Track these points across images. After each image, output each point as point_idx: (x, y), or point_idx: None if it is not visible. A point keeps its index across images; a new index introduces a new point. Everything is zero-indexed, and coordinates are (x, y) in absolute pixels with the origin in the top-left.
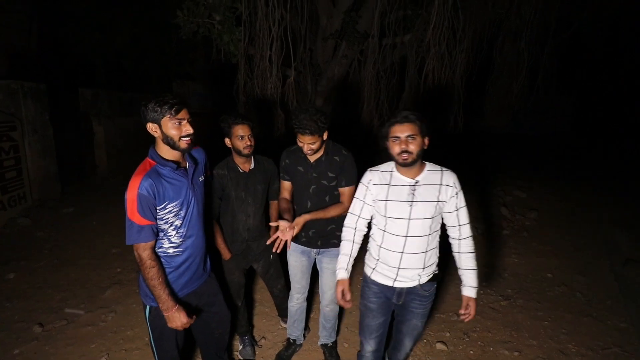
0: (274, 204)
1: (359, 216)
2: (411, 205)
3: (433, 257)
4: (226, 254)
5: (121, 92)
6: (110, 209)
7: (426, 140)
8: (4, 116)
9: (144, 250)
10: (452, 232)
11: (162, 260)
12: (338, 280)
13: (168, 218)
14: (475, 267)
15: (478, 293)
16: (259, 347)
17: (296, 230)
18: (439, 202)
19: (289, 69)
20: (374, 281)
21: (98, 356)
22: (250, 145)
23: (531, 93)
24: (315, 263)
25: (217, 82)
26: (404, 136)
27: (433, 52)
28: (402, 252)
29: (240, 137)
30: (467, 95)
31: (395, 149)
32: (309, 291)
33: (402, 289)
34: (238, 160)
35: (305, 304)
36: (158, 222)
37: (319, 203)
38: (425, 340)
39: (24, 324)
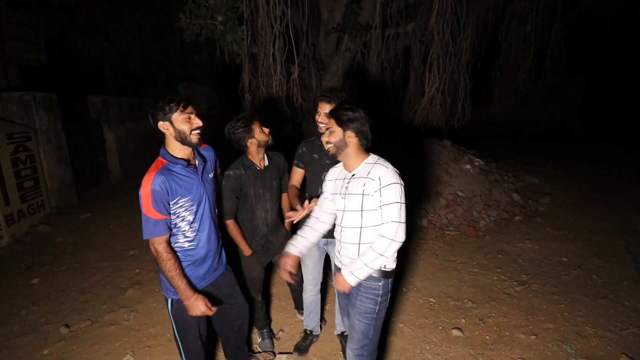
0: (285, 197)
1: (320, 207)
2: (343, 198)
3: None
4: (247, 250)
5: (129, 97)
6: (125, 213)
7: (348, 135)
8: (19, 127)
9: (159, 244)
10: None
11: (179, 254)
12: (283, 252)
13: (180, 213)
14: (368, 263)
15: (355, 276)
16: (277, 339)
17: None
18: (365, 195)
19: (292, 66)
20: (336, 266)
21: (123, 354)
22: (270, 132)
23: (539, 76)
24: (328, 255)
25: (222, 83)
26: (324, 128)
27: (437, 40)
28: (340, 241)
29: (260, 129)
30: (474, 82)
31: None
32: (322, 284)
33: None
34: (254, 158)
35: (319, 295)
36: (171, 217)
37: None
38: (440, 327)
39: (51, 326)
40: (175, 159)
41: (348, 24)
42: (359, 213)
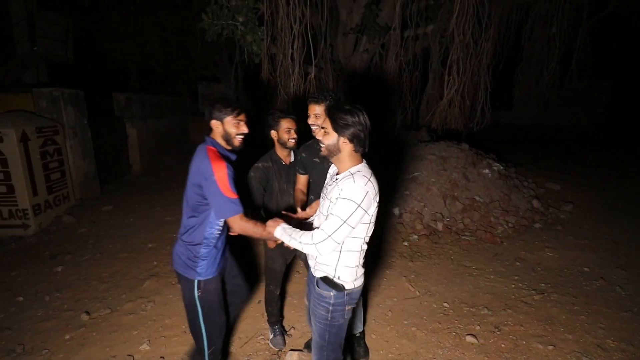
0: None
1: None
2: (323, 198)
3: (326, 258)
4: (272, 243)
5: (151, 95)
6: (144, 206)
7: (343, 139)
8: (48, 121)
9: (241, 219)
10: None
11: (212, 239)
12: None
13: None
14: (300, 239)
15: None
16: (289, 336)
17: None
18: (332, 202)
19: (310, 66)
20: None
21: (140, 342)
22: (295, 139)
23: (563, 80)
24: None
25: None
26: (318, 128)
27: (457, 41)
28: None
29: (287, 130)
30: (494, 85)
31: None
32: None
33: (309, 273)
34: (281, 153)
35: None
36: None
37: None
38: (454, 333)
39: (73, 313)
40: (227, 152)
41: (367, 25)
42: (324, 217)
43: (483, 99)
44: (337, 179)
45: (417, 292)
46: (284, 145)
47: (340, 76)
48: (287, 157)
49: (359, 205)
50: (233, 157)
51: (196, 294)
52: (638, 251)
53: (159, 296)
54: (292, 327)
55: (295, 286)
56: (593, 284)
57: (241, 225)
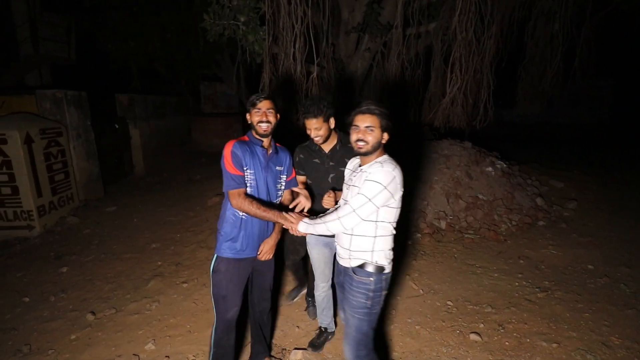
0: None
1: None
2: (347, 188)
3: (362, 245)
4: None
5: (154, 95)
6: (148, 207)
7: (385, 135)
8: (51, 123)
9: (238, 196)
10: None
11: (233, 219)
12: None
13: (245, 180)
14: (327, 221)
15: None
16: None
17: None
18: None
19: (312, 65)
20: (338, 262)
21: (145, 342)
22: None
23: (567, 78)
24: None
25: (243, 82)
26: (363, 126)
27: (460, 39)
28: None
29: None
30: (497, 83)
31: (354, 136)
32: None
33: (341, 266)
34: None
35: (330, 291)
36: None
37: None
38: (458, 331)
39: (78, 313)
40: (255, 139)
41: (369, 24)
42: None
43: (486, 97)
44: (362, 169)
45: (421, 290)
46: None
47: (342, 75)
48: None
49: (385, 187)
50: (259, 144)
51: (211, 269)
52: None
53: (164, 296)
54: (297, 326)
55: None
56: (597, 281)
57: (238, 201)
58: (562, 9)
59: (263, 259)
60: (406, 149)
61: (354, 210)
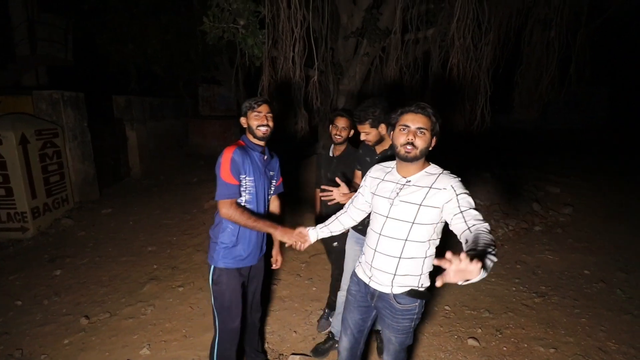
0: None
1: (351, 202)
2: (391, 204)
3: (411, 268)
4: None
5: (152, 97)
6: (144, 210)
7: (434, 141)
8: (47, 124)
9: (230, 205)
10: (462, 237)
11: (231, 227)
12: (300, 229)
13: (243, 190)
14: (490, 249)
15: (487, 276)
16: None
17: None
18: (423, 206)
19: (311, 69)
20: (355, 274)
21: (140, 346)
22: (339, 135)
23: (562, 85)
24: None
25: (242, 85)
26: (414, 127)
27: (457, 45)
28: (375, 250)
29: (336, 127)
30: (494, 88)
31: (401, 139)
32: None
33: (375, 290)
34: (334, 146)
35: None
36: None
37: None
38: (456, 336)
39: (72, 317)
40: (253, 145)
41: (367, 29)
42: (408, 224)
43: (483, 103)
44: (409, 181)
45: None
46: (332, 140)
47: (340, 79)
48: (337, 150)
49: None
50: (258, 149)
51: (210, 279)
52: (638, 254)
53: (159, 300)
54: (294, 331)
55: (295, 289)
56: (593, 286)
57: (228, 211)
58: (558, 16)
59: (278, 266)
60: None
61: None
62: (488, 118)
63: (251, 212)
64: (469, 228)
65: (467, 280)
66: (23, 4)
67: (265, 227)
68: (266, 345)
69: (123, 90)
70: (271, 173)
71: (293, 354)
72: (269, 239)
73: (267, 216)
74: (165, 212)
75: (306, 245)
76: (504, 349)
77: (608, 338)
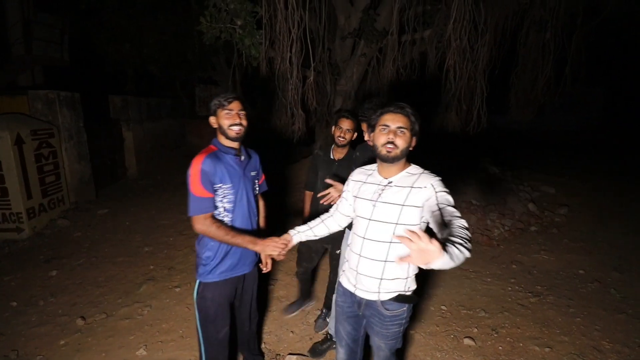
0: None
1: (337, 208)
2: (374, 205)
3: (398, 272)
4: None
5: (148, 98)
6: (141, 210)
7: (414, 141)
8: (43, 124)
9: (204, 220)
10: (439, 233)
11: (213, 242)
12: (284, 235)
13: (220, 199)
14: (459, 239)
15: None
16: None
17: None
18: (406, 207)
19: (308, 70)
20: (340, 283)
21: (136, 347)
22: (343, 138)
23: (558, 86)
24: None
25: (239, 86)
26: (394, 126)
27: (454, 46)
28: (360, 255)
29: (340, 129)
30: (491, 89)
31: (382, 139)
32: None
33: (362, 299)
34: (335, 148)
35: None
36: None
37: None
38: (452, 336)
39: (68, 318)
40: (226, 148)
41: (364, 30)
42: (391, 226)
43: (479, 104)
44: (390, 182)
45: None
46: (332, 140)
47: (337, 80)
48: (338, 153)
49: None
50: (232, 152)
51: (195, 292)
52: (632, 254)
53: (156, 300)
54: (291, 331)
55: (292, 290)
56: (588, 286)
57: (203, 226)
58: (553, 18)
59: (269, 269)
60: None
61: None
62: (484, 119)
63: (229, 227)
64: (445, 223)
65: (429, 263)
66: (19, 4)
67: (245, 242)
68: (263, 345)
69: (120, 91)
70: (252, 173)
71: (290, 354)
72: None
73: (257, 221)
74: (162, 213)
75: (287, 250)
76: (500, 348)
77: (602, 337)
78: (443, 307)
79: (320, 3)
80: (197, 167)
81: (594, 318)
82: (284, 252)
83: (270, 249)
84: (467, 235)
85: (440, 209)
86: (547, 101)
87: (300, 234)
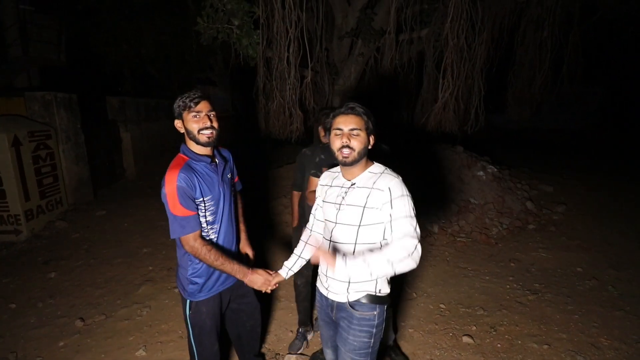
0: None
1: (314, 217)
2: (338, 209)
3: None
4: (294, 222)
5: (146, 98)
6: (139, 211)
7: (372, 139)
8: (40, 125)
9: (194, 240)
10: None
11: (197, 262)
12: (275, 273)
13: (201, 212)
14: (373, 267)
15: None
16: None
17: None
18: (367, 208)
19: (306, 70)
20: (317, 288)
21: (136, 348)
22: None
23: (555, 85)
24: None
25: (236, 86)
26: (347, 129)
27: (451, 45)
28: None
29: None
30: (488, 88)
31: (337, 142)
32: None
33: (333, 301)
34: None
35: None
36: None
37: None
38: (451, 334)
39: (67, 319)
40: (197, 156)
41: (362, 29)
42: (354, 228)
43: (477, 102)
44: (354, 184)
45: (414, 293)
46: (322, 141)
47: (335, 80)
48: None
49: (410, 196)
50: (206, 160)
51: (187, 313)
52: (629, 251)
53: (155, 301)
54: (290, 330)
55: (292, 289)
56: (586, 283)
57: (194, 247)
58: (550, 17)
59: (252, 258)
60: (398, 153)
61: (418, 240)
62: (482, 118)
63: (220, 251)
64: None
65: (331, 269)
66: (15, 5)
67: (234, 271)
68: (263, 345)
69: (118, 92)
70: (229, 175)
71: (289, 353)
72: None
73: (237, 230)
74: (161, 213)
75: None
76: (498, 345)
77: (600, 334)
78: (442, 306)
79: (317, 3)
80: (172, 186)
81: (592, 315)
82: (272, 287)
83: (258, 285)
84: (396, 256)
85: (391, 221)
86: (545, 100)
87: (292, 269)
